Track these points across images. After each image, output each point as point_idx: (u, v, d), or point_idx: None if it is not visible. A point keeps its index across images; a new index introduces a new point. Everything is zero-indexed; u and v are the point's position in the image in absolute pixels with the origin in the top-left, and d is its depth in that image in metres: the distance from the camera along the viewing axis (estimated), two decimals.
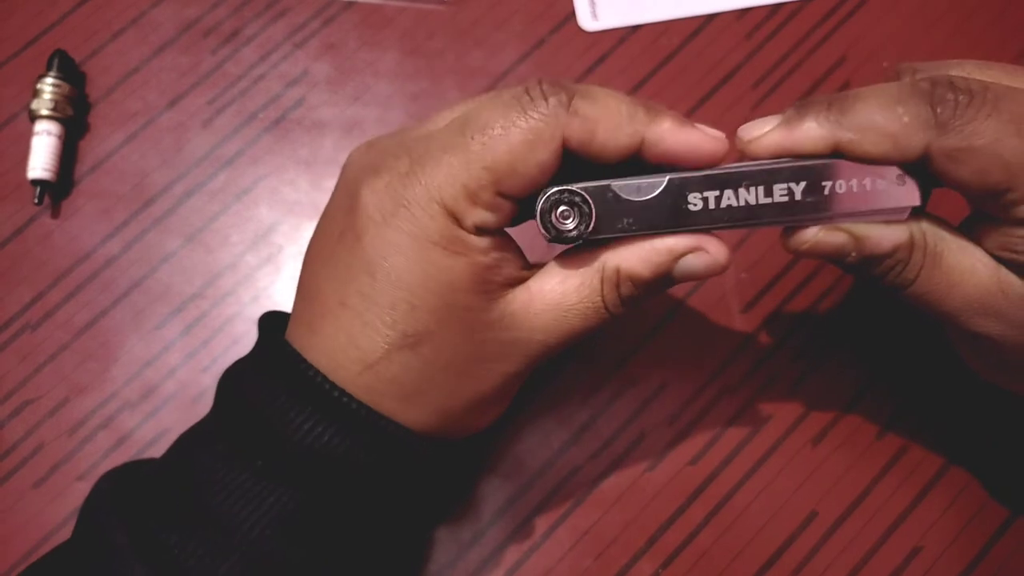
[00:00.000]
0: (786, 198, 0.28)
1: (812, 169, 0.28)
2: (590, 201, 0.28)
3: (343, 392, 0.29)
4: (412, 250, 0.28)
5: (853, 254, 0.29)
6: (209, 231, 0.43)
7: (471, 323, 0.29)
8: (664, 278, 0.30)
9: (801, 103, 0.29)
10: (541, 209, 0.28)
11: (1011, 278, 0.28)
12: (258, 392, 0.30)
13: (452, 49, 0.45)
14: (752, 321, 0.41)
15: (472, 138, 0.28)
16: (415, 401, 0.30)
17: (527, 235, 0.32)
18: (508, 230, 0.30)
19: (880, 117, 0.27)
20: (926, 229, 0.29)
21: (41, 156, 0.42)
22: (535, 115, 0.28)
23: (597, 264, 0.30)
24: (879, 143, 0.27)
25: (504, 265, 0.30)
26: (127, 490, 0.31)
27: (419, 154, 0.29)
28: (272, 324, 0.33)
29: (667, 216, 0.29)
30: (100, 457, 0.39)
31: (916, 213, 0.29)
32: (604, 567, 0.38)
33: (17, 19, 0.45)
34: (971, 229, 0.29)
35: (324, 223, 0.31)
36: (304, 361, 0.30)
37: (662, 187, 0.28)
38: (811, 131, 0.28)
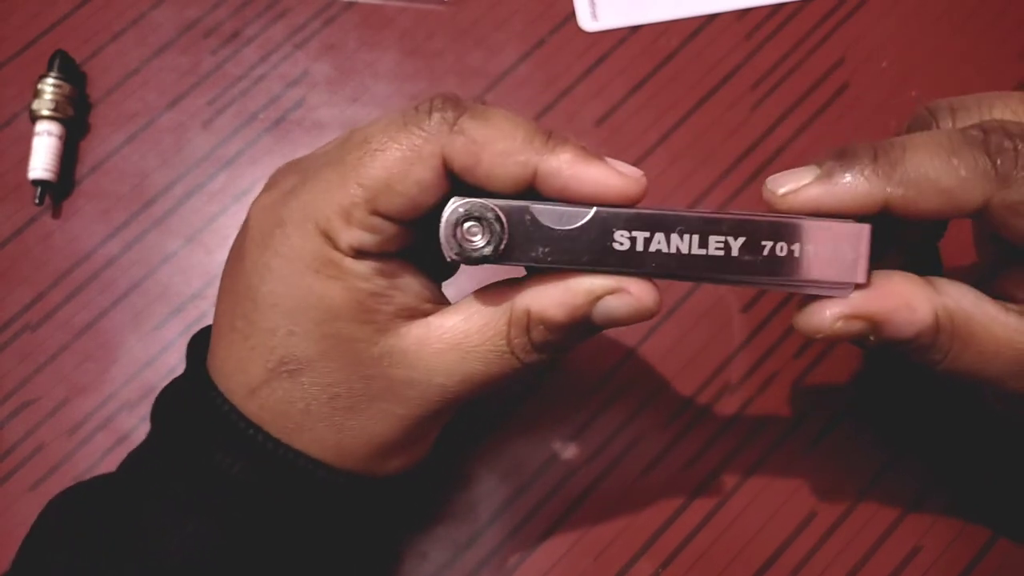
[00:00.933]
0: (721, 252, 0.26)
1: (756, 224, 0.26)
2: (503, 220, 0.26)
3: (241, 417, 0.28)
4: (288, 274, 0.27)
5: (872, 338, 0.27)
6: (209, 232, 0.43)
7: (356, 355, 0.27)
8: (582, 323, 0.27)
9: (841, 152, 0.26)
10: (446, 220, 0.26)
11: None
12: (176, 420, 0.30)
13: (452, 49, 0.45)
14: (751, 321, 0.41)
15: (349, 153, 0.26)
16: (303, 434, 0.28)
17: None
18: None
19: (934, 171, 0.25)
20: (951, 308, 0.26)
21: (42, 156, 0.42)
22: (416, 131, 0.26)
23: (506, 304, 0.27)
24: (934, 199, 0.25)
25: (395, 294, 0.27)
26: (70, 517, 0.30)
27: (305, 170, 0.27)
28: (203, 341, 0.31)
29: (588, 251, 0.26)
30: (99, 458, 0.39)
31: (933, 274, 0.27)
32: (603, 568, 0.38)
33: (17, 19, 0.45)
34: (1008, 278, 0.28)
35: (233, 242, 0.30)
36: (211, 386, 0.29)
37: (587, 218, 0.26)
38: (858, 187, 0.26)
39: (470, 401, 0.29)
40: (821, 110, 0.44)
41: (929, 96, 0.43)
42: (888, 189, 0.25)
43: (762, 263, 0.26)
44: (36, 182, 0.42)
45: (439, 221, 0.26)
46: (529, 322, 0.27)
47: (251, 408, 0.28)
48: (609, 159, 0.26)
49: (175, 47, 0.45)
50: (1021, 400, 0.28)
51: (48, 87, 0.42)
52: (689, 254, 0.26)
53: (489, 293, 0.28)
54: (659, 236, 0.26)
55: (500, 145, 0.26)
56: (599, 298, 0.26)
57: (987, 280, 0.28)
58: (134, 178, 0.43)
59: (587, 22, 0.45)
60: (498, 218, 0.26)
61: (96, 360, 0.41)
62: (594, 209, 0.26)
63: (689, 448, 0.39)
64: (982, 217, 0.26)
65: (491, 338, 0.27)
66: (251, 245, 0.28)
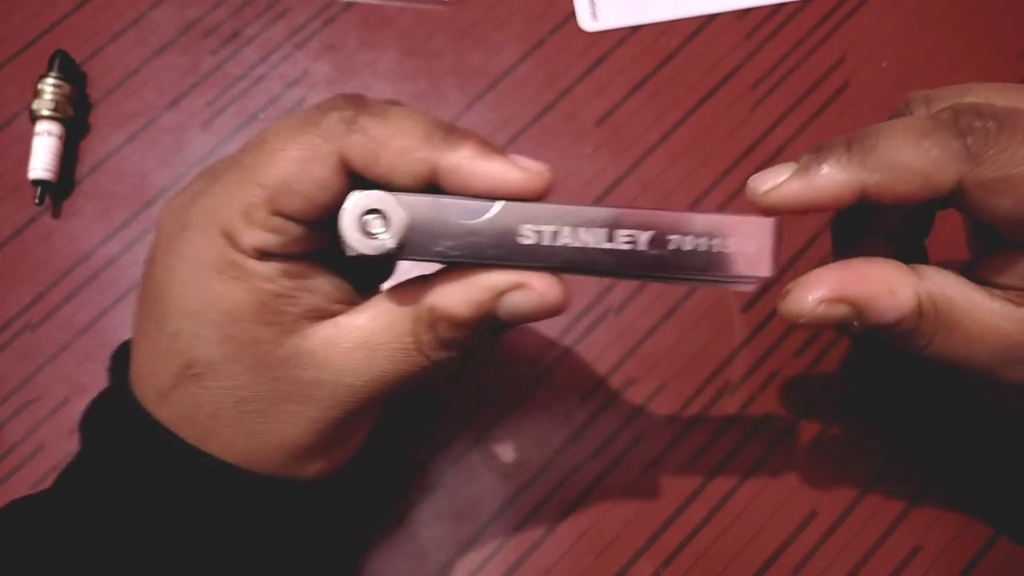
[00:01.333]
0: (628, 247, 0.26)
1: (661, 219, 0.26)
2: (407, 213, 0.25)
3: (155, 423, 0.28)
4: (190, 277, 0.26)
5: (855, 324, 0.27)
6: None
7: (261, 358, 0.27)
8: (487, 319, 0.26)
9: (817, 147, 0.27)
10: (345, 212, 0.25)
11: None
12: (99, 430, 0.30)
13: (452, 49, 0.45)
14: (752, 320, 0.41)
15: (248, 153, 0.26)
16: (214, 439, 0.28)
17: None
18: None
19: (907, 154, 0.26)
20: (934, 294, 0.27)
21: (42, 156, 0.42)
22: (313, 131, 0.25)
23: (411, 301, 0.27)
24: (909, 181, 0.26)
25: (302, 295, 0.27)
26: (4, 533, 0.30)
27: (214, 173, 0.27)
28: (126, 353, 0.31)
29: (495, 245, 0.25)
30: None
31: (912, 263, 0.27)
32: (604, 566, 0.38)
33: (17, 19, 0.45)
34: (991, 263, 0.28)
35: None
36: (131, 397, 0.28)
37: (493, 212, 0.25)
38: (833, 176, 0.26)
39: (385, 401, 0.29)
40: (821, 110, 0.44)
41: None
42: (864, 176, 0.26)
43: (669, 257, 0.26)
44: (36, 182, 0.42)
45: (338, 214, 0.25)
46: (434, 319, 0.27)
47: (163, 414, 0.28)
48: (513, 155, 0.26)
49: (175, 47, 0.45)
50: (1006, 388, 0.28)
51: (48, 87, 0.42)
52: (596, 247, 0.26)
53: (397, 291, 0.27)
54: (566, 230, 0.26)
55: (399, 142, 0.25)
56: (503, 293, 0.26)
57: (971, 268, 0.28)
58: (134, 178, 0.43)
59: (587, 22, 0.45)
60: (400, 211, 0.25)
61: (97, 360, 0.41)
62: (501, 203, 0.25)
63: (690, 447, 0.39)
64: (958, 199, 0.26)
65: (397, 336, 0.27)
66: (157, 250, 0.28)
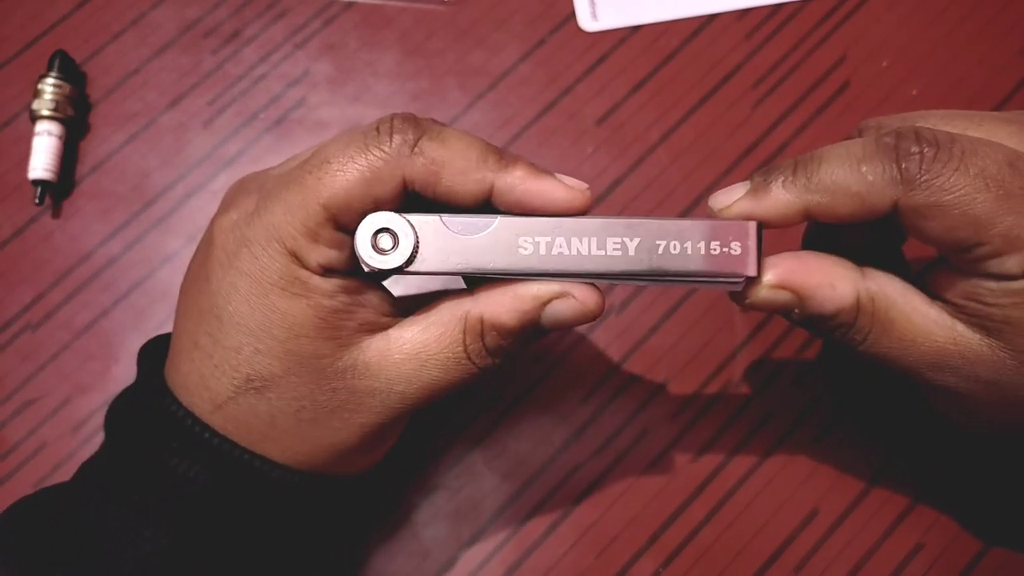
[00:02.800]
0: (619, 253, 0.28)
1: (647, 226, 0.27)
2: (415, 231, 0.27)
3: (204, 427, 0.29)
4: (252, 294, 0.28)
5: (796, 311, 0.29)
6: None
7: (320, 370, 0.28)
8: (532, 327, 0.29)
9: (765, 169, 0.29)
10: (360, 233, 0.27)
11: (967, 335, 0.28)
12: (132, 428, 0.30)
13: (452, 49, 0.45)
14: (753, 319, 0.41)
15: (309, 172, 0.27)
16: (268, 444, 0.29)
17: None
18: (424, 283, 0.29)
19: (845, 177, 0.27)
20: (875, 293, 0.28)
21: (42, 156, 0.42)
22: (376, 152, 0.27)
23: (460, 313, 0.29)
24: (847, 204, 0.27)
25: (357, 310, 0.29)
26: (24, 525, 0.30)
27: (267, 191, 0.28)
28: (154, 351, 0.32)
29: (496, 258, 0.28)
30: None
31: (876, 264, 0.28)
32: (605, 565, 0.38)
33: (17, 19, 0.45)
34: (935, 276, 0.29)
35: (192, 259, 0.31)
36: (169, 396, 0.29)
37: (492, 227, 0.28)
38: (779, 197, 0.28)
39: (430, 406, 0.30)
40: (822, 109, 0.44)
41: (929, 94, 0.44)
42: (806, 197, 0.27)
43: (658, 261, 0.28)
44: (36, 182, 0.42)
45: (353, 236, 0.27)
46: (483, 329, 0.29)
47: (216, 420, 0.29)
48: (558, 174, 0.28)
49: (175, 47, 0.45)
50: (937, 390, 0.30)
51: (48, 87, 0.42)
52: (589, 255, 0.28)
53: (443, 304, 0.29)
54: (560, 240, 0.28)
55: (458, 164, 0.27)
56: (546, 303, 0.28)
57: (921, 277, 0.30)
58: (134, 178, 0.43)
59: (587, 22, 0.45)
60: (409, 229, 0.27)
61: (98, 359, 0.41)
62: (498, 218, 0.28)
63: (691, 446, 0.39)
64: (897, 220, 0.27)
65: (448, 346, 0.29)
66: (215, 265, 0.28)
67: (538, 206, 0.28)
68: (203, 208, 0.43)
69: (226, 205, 0.30)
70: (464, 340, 0.29)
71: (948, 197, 0.26)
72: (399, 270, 0.27)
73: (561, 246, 0.28)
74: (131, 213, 0.43)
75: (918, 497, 0.39)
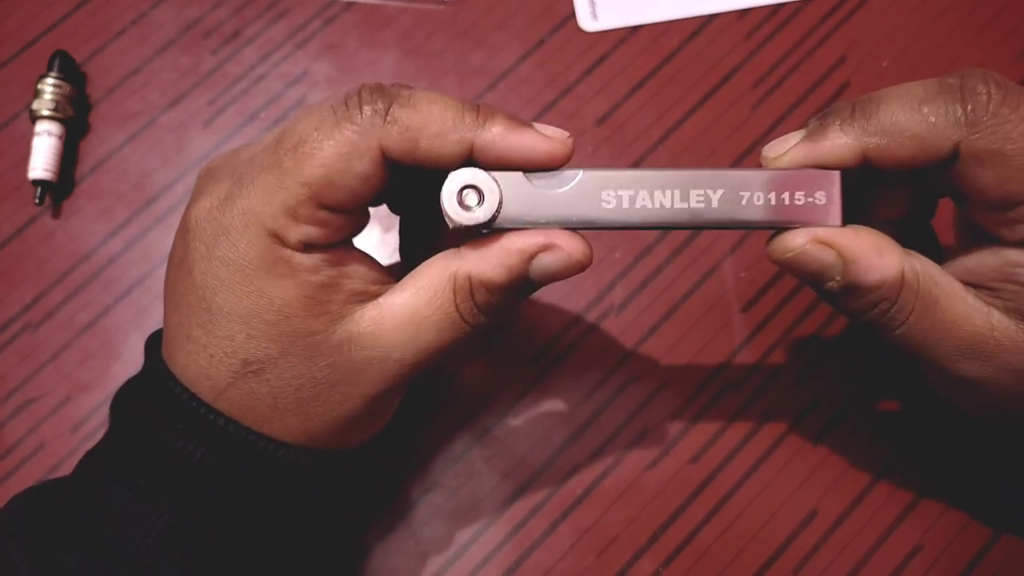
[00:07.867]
0: (702, 204, 0.28)
1: (731, 178, 0.28)
2: (499, 186, 0.27)
3: (210, 409, 0.29)
4: (237, 282, 0.27)
5: (837, 278, 0.27)
6: None
7: (315, 346, 0.28)
8: (521, 281, 0.28)
9: (823, 112, 0.28)
10: (445, 191, 0.27)
11: (1004, 322, 0.27)
12: (138, 414, 0.30)
13: (452, 49, 0.45)
14: (752, 319, 0.41)
15: (285, 154, 0.27)
16: (272, 424, 0.29)
17: None
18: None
19: (906, 118, 0.27)
20: (920, 270, 0.27)
21: (42, 156, 0.42)
22: (348, 127, 0.27)
23: (449, 273, 0.28)
24: (906, 146, 0.26)
25: (344, 281, 0.28)
26: (32, 512, 0.30)
27: (239, 175, 0.28)
28: (160, 342, 0.32)
29: (579, 211, 0.28)
30: None
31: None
32: (605, 565, 0.38)
33: (17, 19, 0.45)
34: (968, 259, 0.29)
35: (172, 251, 0.30)
36: (174, 380, 0.29)
37: (575, 181, 0.28)
38: (836, 140, 0.27)
39: (428, 371, 0.30)
40: (822, 109, 0.43)
41: None
42: (865, 139, 0.27)
43: (741, 212, 0.28)
44: (36, 182, 0.42)
45: (439, 193, 0.27)
46: (471, 287, 0.28)
47: (220, 405, 0.29)
48: (537, 124, 0.28)
49: (175, 47, 0.45)
50: (958, 382, 0.29)
51: (48, 87, 0.42)
52: (672, 207, 0.28)
53: (431, 266, 0.29)
54: (643, 193, 0.28)
55: (434, 128, 0.27)
56: (533, 256, 0.28)
57: (950, 264, 0.29)
58: (135, 177, 0.43)
59: (587, 22, 0.45)
60: (493, 185, 0.27)
61: (98, 358, 0.41)
62: (580, 172, 0.28)
63: (691, 446, 0.39)
64: (951, 172, 0.27)
65: (440, 307, 0.28)
66: (196, 257, 0.28)
67: (520, 160, 0.28)
68: None
69: (197, 193, 0.29)
70: (455, 300, 0.28)
71: (1011, 146, 0.26)
72: (486, 225, 0.28)
73: (644, 199, 0.28)
74: (131, 212, 0.43)
75: (917, 498, 0.39)
